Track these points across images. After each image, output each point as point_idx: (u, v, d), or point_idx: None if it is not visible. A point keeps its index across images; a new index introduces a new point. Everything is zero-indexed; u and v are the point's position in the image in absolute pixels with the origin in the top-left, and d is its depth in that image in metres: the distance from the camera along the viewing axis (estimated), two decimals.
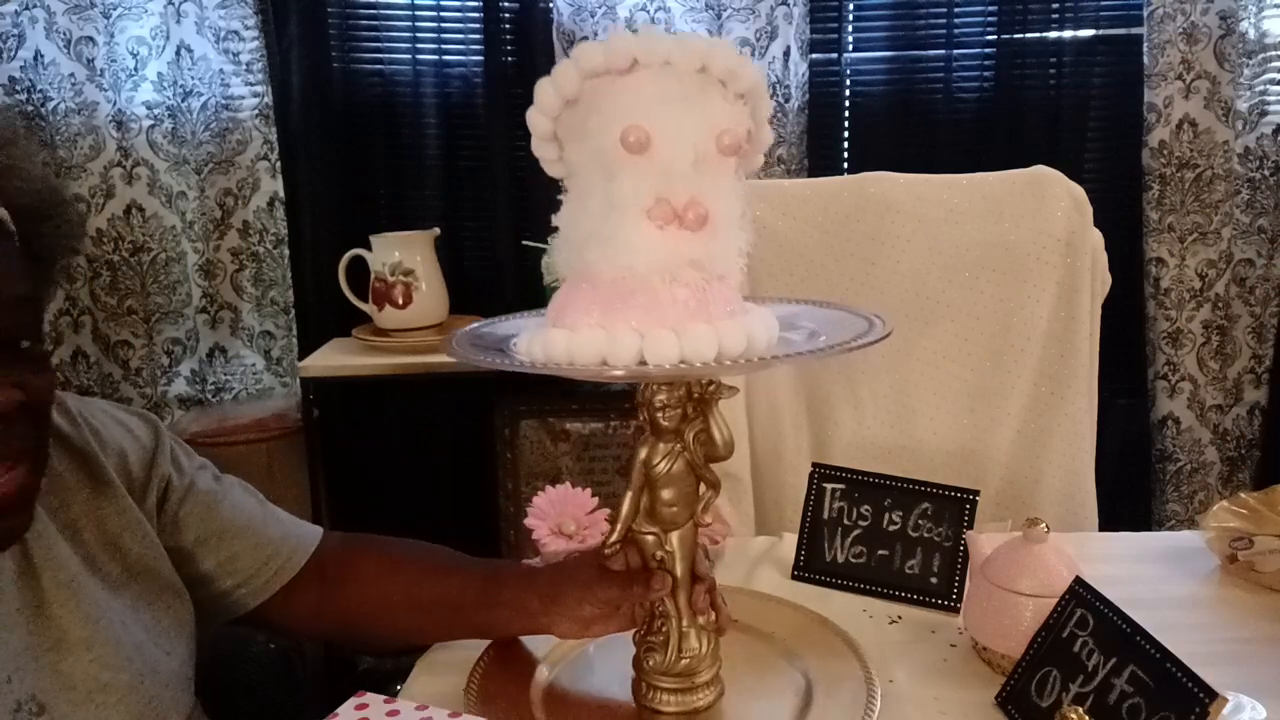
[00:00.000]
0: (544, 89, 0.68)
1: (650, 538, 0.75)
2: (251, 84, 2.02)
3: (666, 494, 0.74)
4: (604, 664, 0.86)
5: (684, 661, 0.76)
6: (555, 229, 0.71)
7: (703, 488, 0.75)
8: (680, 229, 0.64)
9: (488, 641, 0.88)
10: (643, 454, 0.73)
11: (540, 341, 0.67)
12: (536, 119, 0.69)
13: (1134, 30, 2.03)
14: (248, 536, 0.84)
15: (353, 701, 0.69)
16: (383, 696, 0.69)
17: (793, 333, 0.74)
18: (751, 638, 0.89)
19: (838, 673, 0.82)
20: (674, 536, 0.75)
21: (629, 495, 0.74)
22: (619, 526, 0.75)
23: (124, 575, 0.76)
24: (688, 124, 0.64)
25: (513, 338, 0.73)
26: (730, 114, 0.66)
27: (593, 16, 2.01)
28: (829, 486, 1.07)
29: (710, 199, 0.65)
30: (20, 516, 0.67)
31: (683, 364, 0.63)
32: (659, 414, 0.71)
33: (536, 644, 0.87)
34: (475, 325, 0.78)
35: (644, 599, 0.77)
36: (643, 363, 0.63)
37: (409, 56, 2.07)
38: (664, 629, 0.77)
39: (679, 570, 0.76)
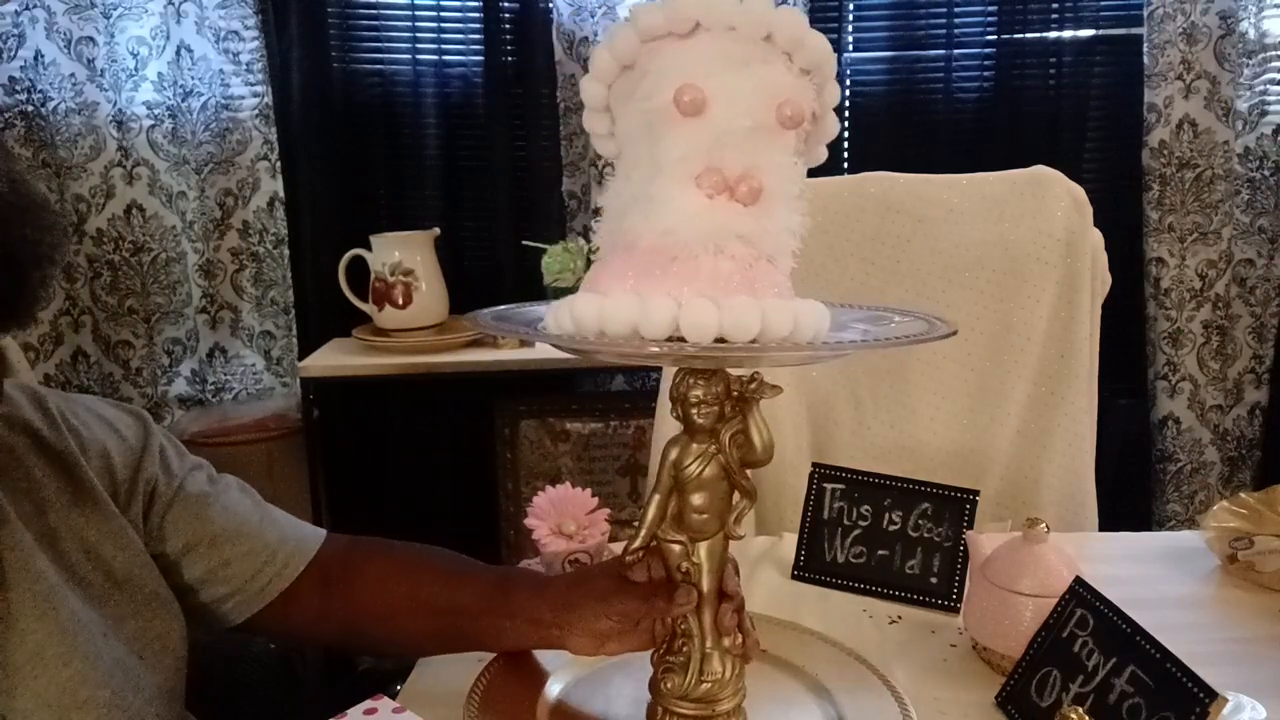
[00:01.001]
0: (600, 55, 0.64)
1: (676, 547, 0.69)
2: (251, 84, 2.02)
3: (697, 499, 0.68)
4: (618, 684, 0.81)
5: (705, 686, 0.70)
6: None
7: (736, 496, 0.69)
8: (731, 201, 0.59)
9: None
10: (673, 454, 0.67)
11: (569, 309, 0.60)
12: (591, 87, 0.65)
13: (1134, 30, 2.03)
14: (241, 542, 0.79)
15: (364, 704, 0.68)
16: (393, 704, 0.68)
17: (845, 333, 0.68)
18: (779, 670, 0.84)
19: (873, 710, 0.76)
20: (702, 548, 0.69)
21: (655, 499, 0.68)
22: (643, 532, 0.69)
23: (106, 586, 0.72)
24: (747, 90, 0.59)
25: (539, 321, 0.67)
26: (794, 86, 0.60)
27: (593, 17, 2.01)
28: (829, 486, 1.07)
29: (765, 172, 0.59)
30: None
31: (722, 341, 0.57)
32: (694, 410, 0.65)
33: (546, 659, 0.83)
34: (501, 308, 0.73)
35: (666, 614, 0.70)
36: (677, 336, 0.57)
37: (409, 56, 2.07)
38: (685, 649, 0.70)
39: (705, 585, 0.70)
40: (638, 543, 0.69)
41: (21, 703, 0.64)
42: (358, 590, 0.82)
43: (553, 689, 0.80)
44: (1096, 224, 1.32)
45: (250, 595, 0.80)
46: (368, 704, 0.67)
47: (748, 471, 0.68)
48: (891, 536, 1.03)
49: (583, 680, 0.82)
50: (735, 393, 0.66)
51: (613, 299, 0.58)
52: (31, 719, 0.64)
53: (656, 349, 0.57)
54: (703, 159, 0.59)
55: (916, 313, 0.71)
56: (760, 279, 0.60)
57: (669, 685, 0.70)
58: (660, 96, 0.59)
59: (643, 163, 0.61)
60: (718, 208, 0.59)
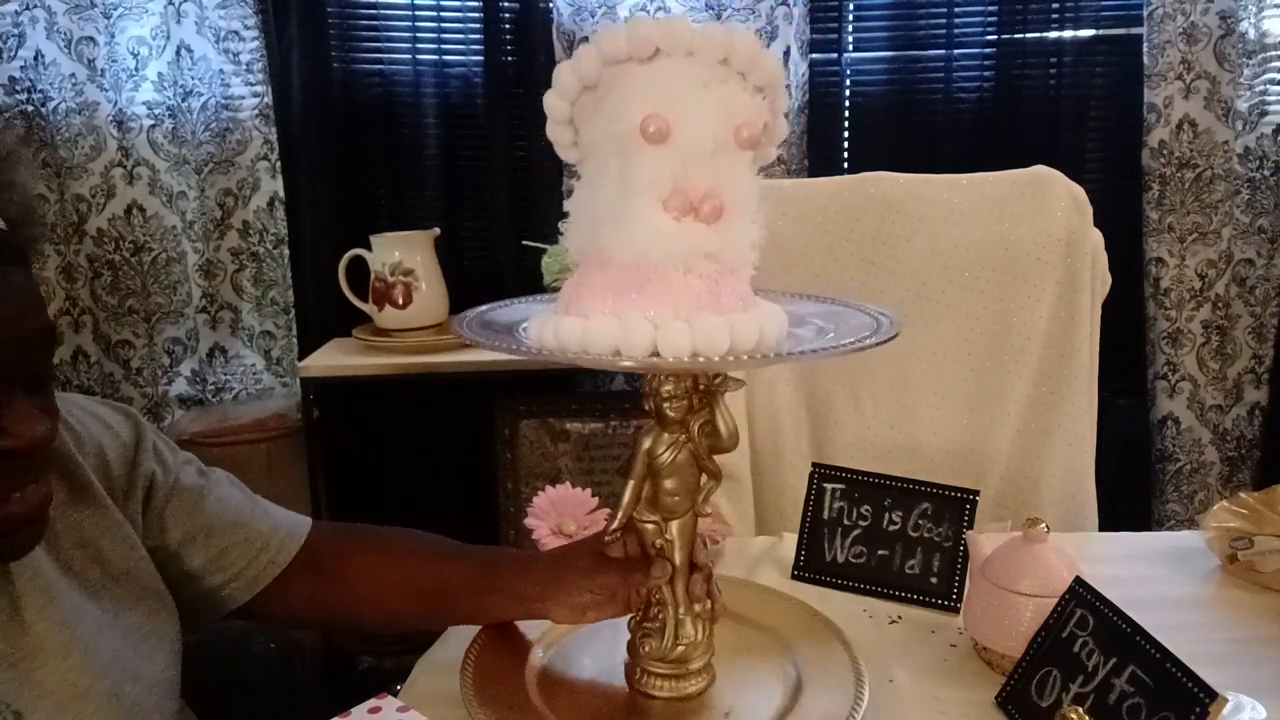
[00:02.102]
0: (563, 73, 0.68)
1: (651, 526, 0.76)
2: (251, 84, 2.02)
3: (669, 483, 0.74)
4: (597, 649, 0.87)
5: (679, 648, 0.77)
6: (560, 223, 0.69)
7: (704, 478, 0.76)
8: (696, 220, 0.64)
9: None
10: (646, 444, 0.73)
11: (553, 328, 0.66)
12: (554, 102, 0.69)
13: (1134, 30, 2.03)
14: (236, 531, 0.83)
15: (368, 703, 0.68)
16: (397, 703, 0.68)
17: (802, 329, 0.74)
18: (744, 628, 0.90)
19: (827, 663, 0.83)
20: (674, 525, 0.76)
21: (630, 484, 0.74)
22: (620, 514, 0.75)
23: (103, 581, 0.74)
24: (708, 114, 0.63)
25: (522, 323, 0.72)
26: (749, 106, 0.65)
27: (593, 16, 2.01)
28: (829, 486, 1.07)
29: (727, 191, 0.64)
30: (43, 524, 0.67)
31: (695, 356, 0.62)
32: (665, 404, 0.71)
33: (529, 628, 0.88)
34: (482, 309, 0.78)
35: (644, 586, 0.77)
36: (655, 353, 0.63)
37: (409, 56, 2.06)
38: (660, 616, 0.78)
39: (678, 558, 0.77)
40: (615, 524, 0.76)
41: (25, 692, 0.66)
42: (348, 573, 0.87)
43: (538, 654, 0.86)
44: (1096, 224, 1.32)
45: (247, 581, 0.83)
46: (372, 702, 0.68)
47: (715, 457, 0.75)
48: (891, 536, 1.03)
49: (567, 645, 0.88)
50: (702, 386, 0.72)
51: (595, 322, 0.64)
52: (34, 708, 0.65)
53: (633, 363, 0.63)
54: (669, 181, 0.63)
55: (862, 306, 0.78)
56: (726, 292, 0.66)
57: (647, 649, 0.78)
58: (626, 121, 0.63)
59: (611, 177, 0.65)
60: (685, 229, 0.64)
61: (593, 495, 1.05)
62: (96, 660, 0.69)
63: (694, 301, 0.64)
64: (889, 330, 0.70)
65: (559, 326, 0.65)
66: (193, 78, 2.00)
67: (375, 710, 0.67)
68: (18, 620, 0.67)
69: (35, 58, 1.96)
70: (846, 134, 2.14)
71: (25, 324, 0.61)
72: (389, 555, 0.88)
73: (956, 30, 2.06)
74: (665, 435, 0.73)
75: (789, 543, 1.11)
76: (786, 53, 2.01)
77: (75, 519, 0.74)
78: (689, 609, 0.78)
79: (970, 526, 1.00)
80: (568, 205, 0.69)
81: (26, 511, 0.63)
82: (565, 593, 0.81)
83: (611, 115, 0.64)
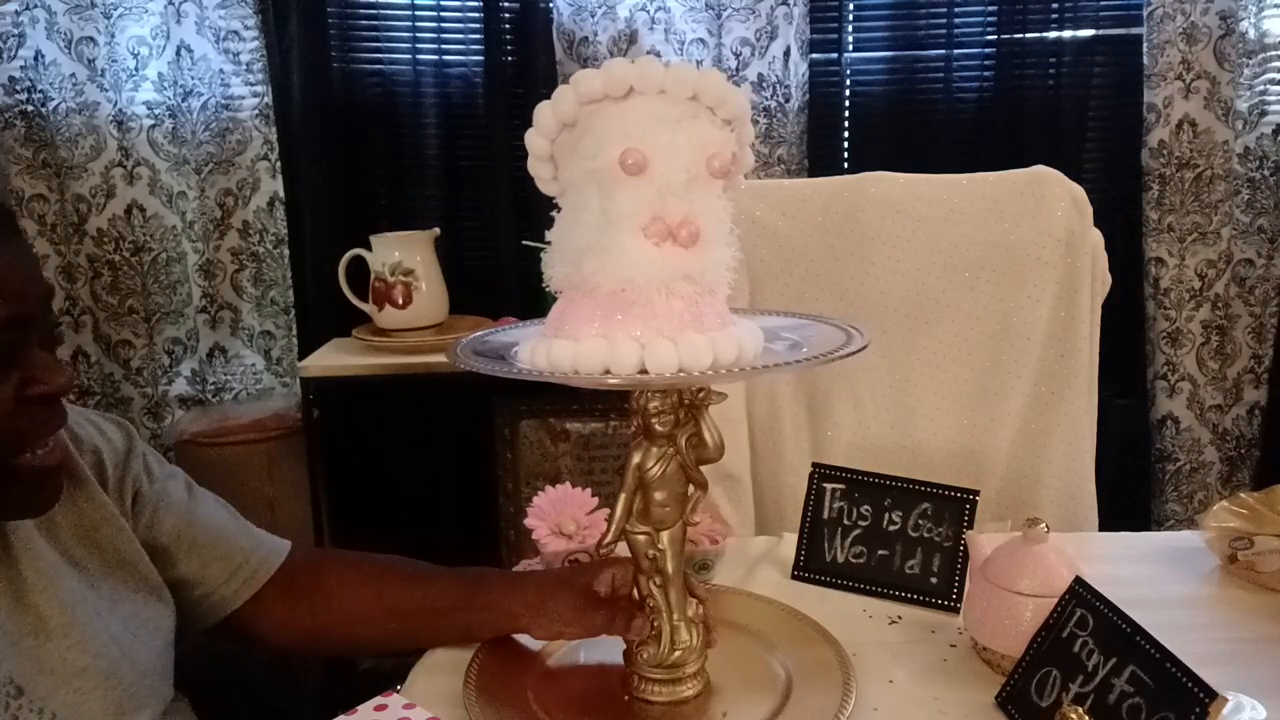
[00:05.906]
0: (543, 112, 0.72)
1: (643, 537, 0.79)
2: (251, 84, 2.02)
3: (659, 495, 0.77)
4: (596, 657, 0.90)
5: (675, 654, 0.80)
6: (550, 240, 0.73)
7: (691, 488, 0.79)
8: (674, 245, 0.68)
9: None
10: (636, 458, 0.76)
11: (544, 350, 0.70)
12: (535, 140, 0.74)
13: (1134, 30, 2.03)
14: (218, 546, 0.85)
15: (374, 701, 0.69)
16: (403, 700, 0.69)
17: (776, 343, 0.78)
18: (735, 633, 0.92)
19: (816, 664, 0.86)
20: (665, 536, 0.79)
21: (622, 497, 0.77)
22: (613, 528, 0.78)
23: (102, 569, 0.77)
24: (681, 147, 0.68)
25: (513, 346, 0.77)
26: (719, 138, 0.70)
27: (593, 16, 2.01)
28: (829, 486, 1.07)
29: (701, 217, 0.69)
30: (62, 477, 0.72)
31: (681, 372, 0.67)
32: (653, 419, 0.75)
33: (529, 639, 0.90)
34: (476, 335, 0.83)
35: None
36: (643, 371, 0.67)
37: (409, 56, 2.07)
38: (655, 624, 0.80)
39: (670, 568, 0.79)
40: (610, 537, 0.77)
41: (27, 667, 0.69)
42: (326, 595, 0.89)
43: (539, 665, 0.88)
44: (1096, 224, 1.32)
45: (225, 597, 0.86)
46: (378, 700, 0.69)
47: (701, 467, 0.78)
48: (891, 536, 1.03)
49: (565, 656, 0.90)
50: (687, 401, 0.76)
51: (585, 344, 0.68)
52: (36, 683, 0.69)
53: (618, 380, 0.68)
54: (648, 211, 0.68)
55: (826, 319, 0.83)
56: (706, 312, 0.70)
57: (644, 656, 0.81)
58: (605, 156, 0.67)
59: (592, 210, 0.70)
60: (665, 253, 0.68)
61: (592, 495, 1.06)
62: (95, 641, 0.72)
63: (677, 321, 0.68)
64: (860, 341, 0.75)
65: (550, 349, 0.69)
66: (193, 78, 2.00)
67: (381, 708, 0.68)
68: (21, 600, 0.70)
69: (35, 58, 1.96)
70: (846, 134, 2.14)
71: (35, 287, 0.67)
72: (366, 574, 0.90)
73: (956, 30, 2.06)
74: (654, 449, 0.76)
75: (789, 543, 1.11)
76: (786, 53, 2.01)
77: (75, 508, 0.76)
78: (683, 616, 0.80)
79: (970, 526, 1.00)
80: (550, 235, 0.74)
81: (53, 462, 0.68)
82: (549, 619, 0.86)
83: (590, 151, 0.69)
